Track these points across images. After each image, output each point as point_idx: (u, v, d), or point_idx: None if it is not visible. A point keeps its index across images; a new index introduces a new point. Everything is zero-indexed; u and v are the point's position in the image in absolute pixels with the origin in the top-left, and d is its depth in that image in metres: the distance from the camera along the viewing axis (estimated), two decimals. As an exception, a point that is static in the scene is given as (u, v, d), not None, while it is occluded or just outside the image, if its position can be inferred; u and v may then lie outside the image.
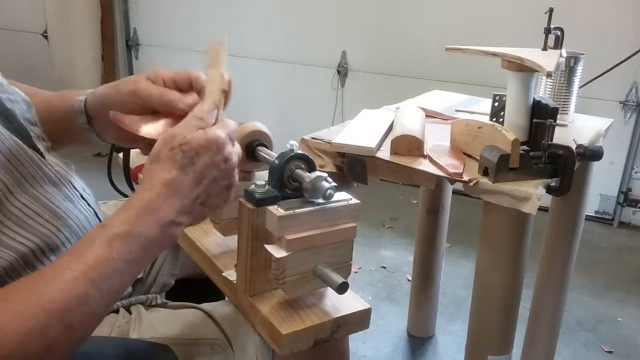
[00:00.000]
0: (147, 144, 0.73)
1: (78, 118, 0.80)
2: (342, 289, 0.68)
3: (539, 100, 1.15)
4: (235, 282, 0.79)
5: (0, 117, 0.70)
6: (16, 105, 0.75)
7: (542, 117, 1.11)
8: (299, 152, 0.73)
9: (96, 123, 0.81)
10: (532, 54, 1.12)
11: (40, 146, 0.75)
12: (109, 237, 0.58)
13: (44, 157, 0.74)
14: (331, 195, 0.70)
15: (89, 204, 0.79)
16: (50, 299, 0.53)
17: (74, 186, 0.78)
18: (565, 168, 1.06)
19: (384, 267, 2.29)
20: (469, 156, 1.15)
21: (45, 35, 3.58)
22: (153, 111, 0.74)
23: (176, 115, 0.71)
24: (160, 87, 0.73)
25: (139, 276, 0.95)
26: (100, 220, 0.81)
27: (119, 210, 0.61)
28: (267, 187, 0.72)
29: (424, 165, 1.11)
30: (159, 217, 0.61)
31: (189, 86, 0.74)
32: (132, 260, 0.59)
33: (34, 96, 0.85)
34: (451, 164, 1.08)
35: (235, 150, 0.68)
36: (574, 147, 1.08)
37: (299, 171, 0.72)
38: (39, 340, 0.52)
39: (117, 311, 0.83)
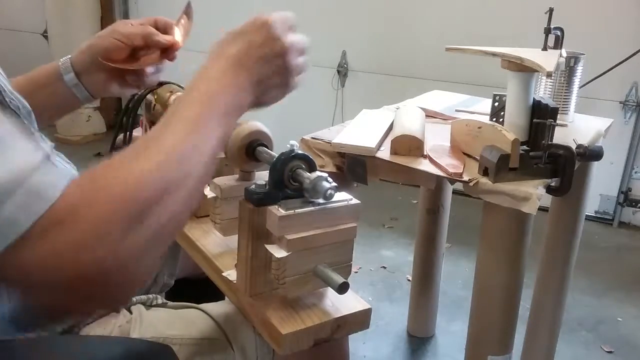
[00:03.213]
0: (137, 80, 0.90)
1: (66, 77, 0.85)
2: (342, 289, 0.68)
3: (539, 100, 1.15)
4: (235, 282, 0.79)
5: None
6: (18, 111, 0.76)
7: (542, 117, 1.11)
8: (300, 152, 0.73)
9: (85, 78, 0.86)
10: (532, 54, 1.12)
11: (46, 148, 0.76)
12: (201, 98, 0.61)
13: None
14: (331, 196, 0.70)
15: None
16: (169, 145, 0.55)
17: None
18: (565, 168, 1.06)
19: (384, 267, 2.29)
20: (469, 156, 1.15)
21: (45, 35, 3.58)
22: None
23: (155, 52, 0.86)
24: (139, 25, 0.86)
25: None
26: None
27: (199, 80, 0.64)
28: (267, 187, 0.72)
29: (424, 165, 1.11)
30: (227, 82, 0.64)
31: (164, 29, 0.90)
32: (223, 122, 0.62)
33: (21, 80, 0.87)
34: (451, 164, 1.08)
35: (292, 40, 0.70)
36: (574, 147, 1.08)
37: (299, 171, 0.72)
38: (157, 180, 0.52)
39: (117, 311, 0.83)
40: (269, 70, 0.68)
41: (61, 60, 0.87)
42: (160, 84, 1.10)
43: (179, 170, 0.55)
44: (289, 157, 0.72)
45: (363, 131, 1.23)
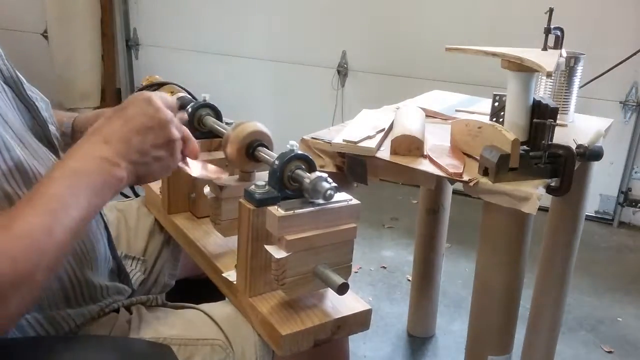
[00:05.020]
0: None
1: (65, 132, 0.90)
2: (342, 289, 0.68)
3: (539, 100, 1.15)
4: (235, 282, 0.79)
5: (27, 109, 0.75)
6: (37, 102, 0.79)
7: (542, 117, 1.11)
8: (299, 152, 0.73)
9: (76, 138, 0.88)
10: (532, 54, 1.12)
11: (56, 142, 0.79)
12: (66, 174, 0.63)
13: (58, 155, 0.77)
14: (331, 196, 0.70)
15: None
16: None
17: None
18: (565, 168, 1.06)
19: (384, 267, 2.29)
20: (469, 156, 1.15)
21: (45, 35, 3.58)
22: None
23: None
24: None
25: (142, 277, 0.95)
26: (103, 219, 0.86)
27: (69, 156, 0.66)
28: (267, 187, 0.72)
29: (424, 165, 1.10)
30: (97, 155, 0.65)
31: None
32: (80, 194, 0.62)
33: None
34: (451, 164, 1.08)
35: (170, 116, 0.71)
36: (574, 147, 1.08)
37: (299, 172, 0.72)
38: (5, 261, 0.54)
39: (117, 310, 0.83)
40: (147, 142, 0.68)
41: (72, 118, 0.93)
42: (161, 84, 1.10)
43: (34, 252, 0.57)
44: (289, 157, 0.72)
45: (363, 131, 1.23)
